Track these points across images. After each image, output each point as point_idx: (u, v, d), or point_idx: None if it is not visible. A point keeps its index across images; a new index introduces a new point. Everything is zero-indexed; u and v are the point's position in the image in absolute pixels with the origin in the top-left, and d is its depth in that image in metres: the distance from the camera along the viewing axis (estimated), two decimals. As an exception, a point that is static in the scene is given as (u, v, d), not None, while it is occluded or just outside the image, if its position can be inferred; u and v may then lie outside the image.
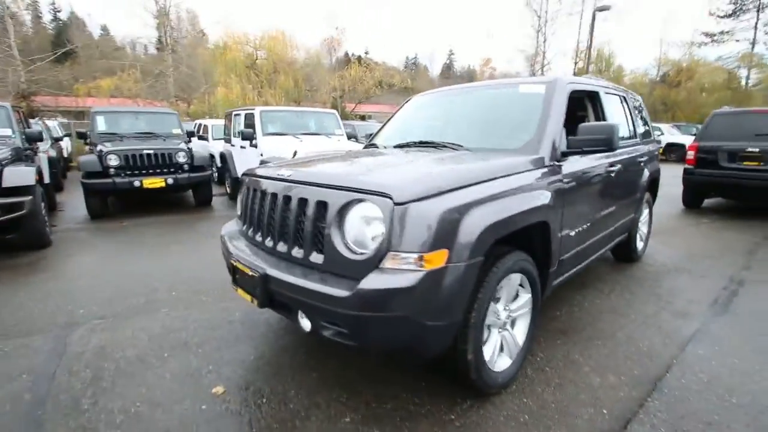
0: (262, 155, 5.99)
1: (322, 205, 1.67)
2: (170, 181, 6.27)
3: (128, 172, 5.95)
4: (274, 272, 1.73)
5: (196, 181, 6.67)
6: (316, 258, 1.68)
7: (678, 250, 4.33)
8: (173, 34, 22.99)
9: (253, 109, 6.48)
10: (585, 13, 25.09)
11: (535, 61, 26.32)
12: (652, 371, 2.13)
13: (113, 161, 5.92)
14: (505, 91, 2.77)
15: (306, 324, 1.68)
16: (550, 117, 2.29)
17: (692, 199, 6.54)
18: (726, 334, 2.53)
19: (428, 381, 2.03)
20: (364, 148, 3.20)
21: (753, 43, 26.83)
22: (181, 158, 6.52)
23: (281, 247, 1.86)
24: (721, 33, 27.96)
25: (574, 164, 2.37)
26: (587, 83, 2.85)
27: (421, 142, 2.52)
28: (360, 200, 1.56)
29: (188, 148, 6.76)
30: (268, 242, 1.95)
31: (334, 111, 7.35)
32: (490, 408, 1.84)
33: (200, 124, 11.53)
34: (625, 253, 3.74)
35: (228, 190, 7.96)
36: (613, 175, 2.82)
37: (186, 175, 6.48)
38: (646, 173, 3.62)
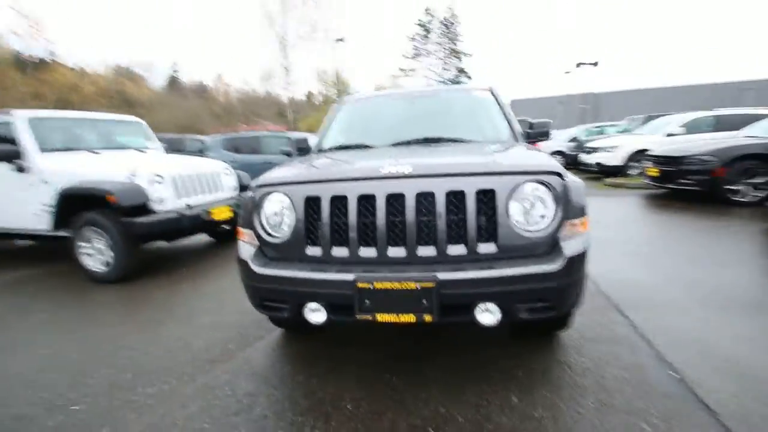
0: (46, 182, 4.01)
1: (485, 194, 1.63)
2: None
3: None
4: (452, 275, 1.54)
5: None
6: (486, 248, 1.63)
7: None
8: None
9: (10, 116, 4.16)
10: (324, 41, 28.62)
11: (286, 80, 27.78)
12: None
13: None
14: (460, 94, 3.21)
15: (491, 318, 1.59)
16: (509, 114, 2.90)
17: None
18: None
19: (512, 345, 2.26)
20: (319, 151, 2.88)
21: (427, 79, 38.34)
22: None
23: (425, 251, 1.64)
24: (411, 70, 38.27)
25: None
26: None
27: (425, 139, 2.60)
28: (534, 181, 1.65)
29: None
30: (396, 252, 1.66)
31: (138, 119, 5.62)
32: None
33: None
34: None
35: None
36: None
37: None
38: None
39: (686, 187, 6.29)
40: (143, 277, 3.92)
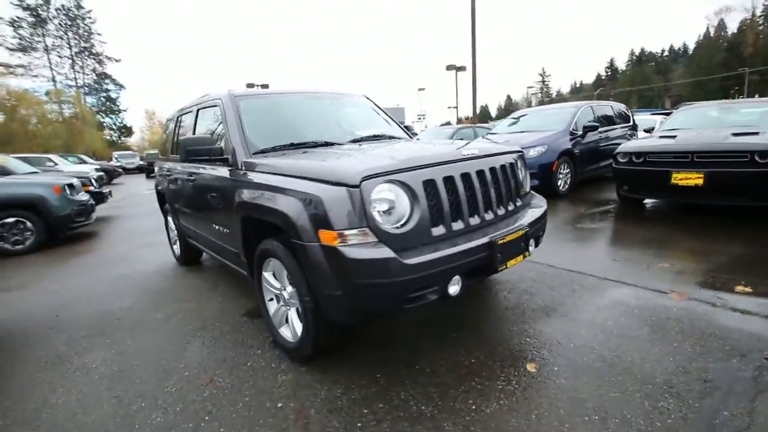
0: None
1: (511, 166, 2.33)
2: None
3: None
4: (528, 220, 2.19)
5: None
6: (519, 202, 2.37)
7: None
8: None
9: None
10: None
11: None
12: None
13: None
14: (353, 98, 3.45)
15: (532, 248, 2.33)
16: (392, 116, 3.56)
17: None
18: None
19: (485, 296, 3.05)
20: (260, 152, 2.47)
21: (54, 81, 28.97)
22: None
23: (501, 210, 2.18)
24: (20, 66, 27.54)
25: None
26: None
27: (374, 136, 2.85)
28: (519, 157, 2.50)
29: None
30: (489, 216, 2.08)
31: None
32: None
33: None
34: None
35: None
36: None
37: None
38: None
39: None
40: None
